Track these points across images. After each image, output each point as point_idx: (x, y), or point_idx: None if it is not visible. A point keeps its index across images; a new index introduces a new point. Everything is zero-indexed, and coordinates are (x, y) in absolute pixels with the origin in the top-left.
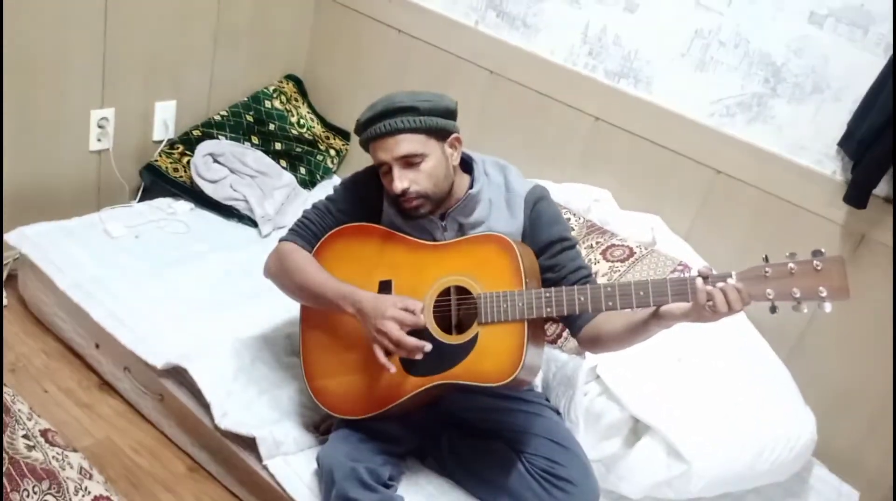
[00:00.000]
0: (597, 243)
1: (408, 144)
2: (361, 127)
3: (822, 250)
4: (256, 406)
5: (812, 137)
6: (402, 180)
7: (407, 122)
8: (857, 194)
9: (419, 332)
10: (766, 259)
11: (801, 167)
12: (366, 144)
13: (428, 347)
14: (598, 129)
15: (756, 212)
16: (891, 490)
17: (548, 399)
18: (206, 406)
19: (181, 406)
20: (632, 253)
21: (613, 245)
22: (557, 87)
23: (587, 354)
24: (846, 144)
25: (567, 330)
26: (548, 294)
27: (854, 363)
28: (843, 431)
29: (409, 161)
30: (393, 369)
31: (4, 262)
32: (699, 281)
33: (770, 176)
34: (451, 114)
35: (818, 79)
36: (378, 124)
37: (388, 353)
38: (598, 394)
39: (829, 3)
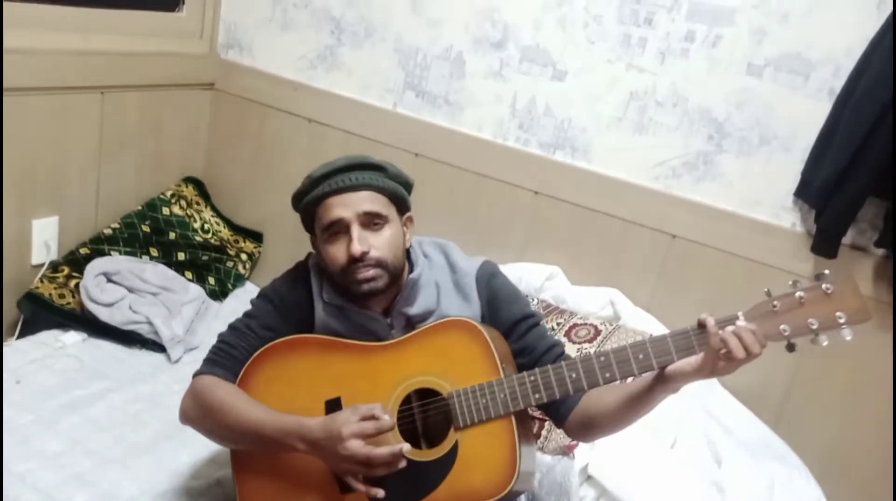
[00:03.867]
0: (558, 324)
1: (372, 202)
2: (315, 182)
3: (826, 272)
4: None
5: (765, 190)
6: (361, 242)
7: (375, 178)
8: (825, 244)
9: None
10: (769, 293)
11: (758, 222)
12: (312, 207)
13: (407, 447)
14: (539, 203)
15: (718, 274)
16: None
17: None
18: None
19: None
20: (597, 332)
21: (576, 325)
22: (490, 164)
23: (576, 453)
24: (804, 193)
25: (546, 425)
26: (532, 378)
27: (842, 425)
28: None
29: (373, 221)
30: (381, 494)
31: None
32: (711, 325)
33: (727, 235)
34: (410, 189)
35: (764, 130)
36: (340, 176)
37: (370, 479)
38: (595, 499)
39: (766, 54)
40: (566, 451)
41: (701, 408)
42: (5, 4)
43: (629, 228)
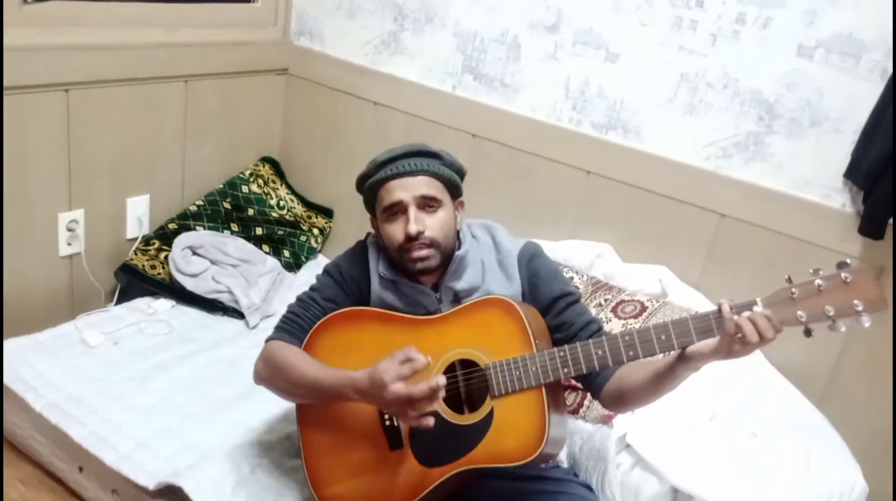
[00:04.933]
0: (605, 300)
1: (428, 187)
2: (378, 166)
3: (848, 261)
4: None
5: (815, 171)
6: (417, 222)
7: (432, 165)
8: (872, 226)
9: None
10: (790, 280)
11: (809, 203)
12: (374, 189)
13: (442, 379)
14: (591, 183)
15: (767, 253)
16: None
17: (576, 475)
18: None
19: None
20: (644, 308)
21: (623, 301)
22: (544, 144)
23: (615, 422)
24: (853, 175)
25: (588, 396)
26: (562, 353)
27: (888, 405)
28: (884, 480)
29: (428, 204)
30: (431, 422)
31: None
32: (726, 311)
33: (777, 215)
34: (463, 176)
35: (814, 112)
36: (401, 162)
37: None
38: (631, 465)
39: (817, 35)
40: (606, 420)
41: (744, 382)
42: (101, 4)
43: (679, 207)
